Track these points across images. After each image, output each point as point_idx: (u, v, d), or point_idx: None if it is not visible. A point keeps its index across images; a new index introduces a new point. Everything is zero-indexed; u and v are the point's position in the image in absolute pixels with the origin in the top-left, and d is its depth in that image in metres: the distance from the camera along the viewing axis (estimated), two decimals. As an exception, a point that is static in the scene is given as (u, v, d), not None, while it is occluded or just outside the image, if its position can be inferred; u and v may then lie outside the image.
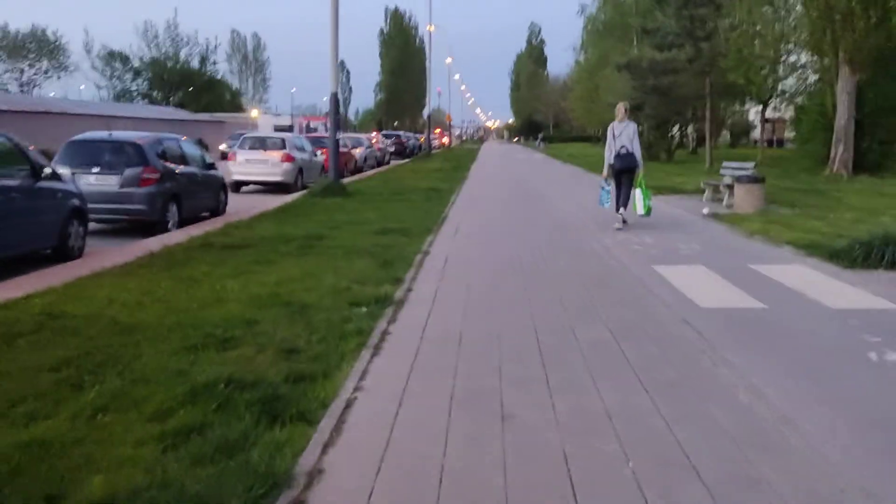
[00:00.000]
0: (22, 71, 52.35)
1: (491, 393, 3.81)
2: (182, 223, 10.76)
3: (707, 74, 23.25)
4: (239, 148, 17.93)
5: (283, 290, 6.00)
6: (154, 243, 8.60)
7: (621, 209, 10.49)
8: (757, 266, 7.43)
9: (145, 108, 44.23)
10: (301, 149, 18.90)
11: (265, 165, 17.50)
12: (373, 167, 29.65)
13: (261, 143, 18.09)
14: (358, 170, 26.25)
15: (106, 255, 8.08)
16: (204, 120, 45.25)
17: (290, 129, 48.61)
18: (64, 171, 9.69)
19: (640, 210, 10.51)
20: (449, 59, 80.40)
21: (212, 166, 12.37)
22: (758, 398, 3.75)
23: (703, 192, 15.05)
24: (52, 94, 58.06)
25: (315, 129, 43.88)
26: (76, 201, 8.35)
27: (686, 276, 6.99)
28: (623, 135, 10.30)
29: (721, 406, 3.63)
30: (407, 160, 37.04)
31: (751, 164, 13.51)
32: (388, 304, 5.63)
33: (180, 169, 11.00)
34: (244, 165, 17.52)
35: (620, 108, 10.62)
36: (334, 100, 15.17)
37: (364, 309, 5.43)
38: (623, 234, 9.78)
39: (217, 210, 12.45)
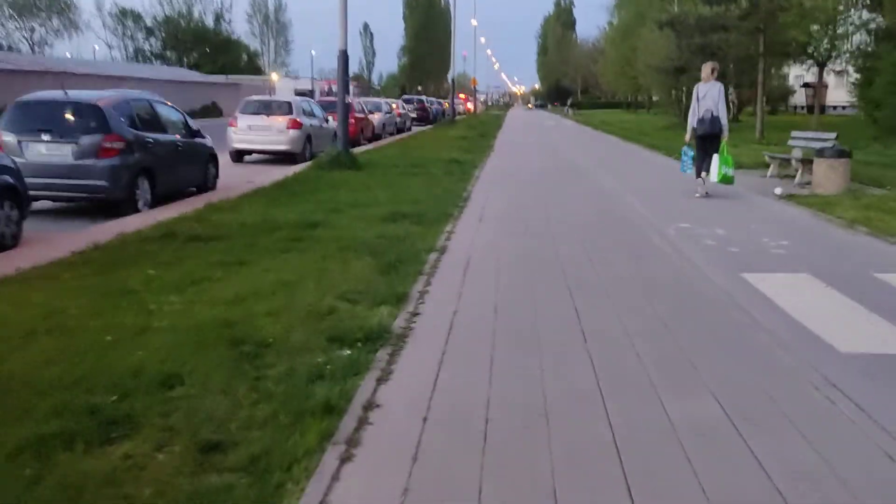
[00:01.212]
0: (32, 29, 50.93)
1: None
2: (159, 201, 9.12)
3: (761, 32, 20.80)
4: (241, 112, 16.16)
5: (241, 313, 4.30)
6: (104, 231, 6.94)
7: (703, 174, 9.94)
8: (887, 276, 5.55)
9: (153, 69, 42.62)
10: (310, 114, 17.09)
11: (269, 132, 15.75)
12: (392, 134, 27.77)
13: (265, 108, 16.31)
14: (376, 137, 24.40)
15: (40, 246, 6.45)
16: (218, 83, 43.51)
17: (310, 93, 46.71)
18: (8, 138, 8.07)
19: (714, 177, 9.78)
20: (474, 22, 77.25)
21: (197, 133, 10.64)
22: None
23: (766, 166, 13.02)
24: (67, 55, 56.77)
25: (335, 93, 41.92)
26: (8, 177, 6.70)
27: (793, 291, 5.15)
28: (707, 97, 9.60)
29: None
30: (429, 126, 35.02)
31: (831, 135, 11.43)
32: (383, 341, 3.90)
33: (154, 137, 9.29)
34: (246, 132, 15.79)
35: (707, 67, 9.97)
36: (343, 58, 13.29)
37: (347, 352, 3.71)
38: (689, 223, 7.89)
39: (205, 185, 10.77)
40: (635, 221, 8.14)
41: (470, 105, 68.58)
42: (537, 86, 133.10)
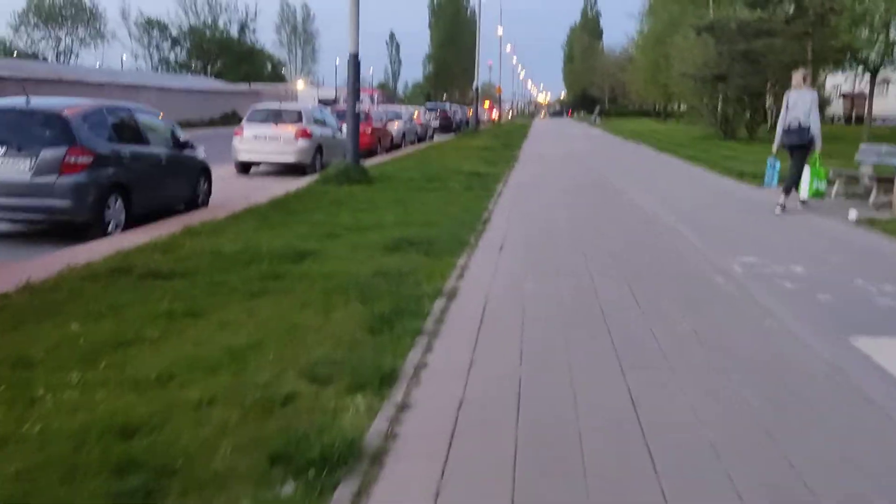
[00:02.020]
0: (59, 39, 50.85)
1: None
2: (140, 221, 8.00)
3: (809, 37, 19.23)
4: (247, 121, 15.08)
5: (155, 406, 3.04)
6: (47, 264, 5.77)
7: (787, 191, 9.38)
8: None
9: (172, 78, 42.01)
10: (321, 122, 15.96)
11: (276, 143, 14.63)
12: (413, 143, 26.62)
13: (272, 117, 15.20)
14: (395, 146, 23.27)
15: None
16: (239, 91, 42.86)
17: (335, 101, 45.83)
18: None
19: (805, 194, 9.42)
20: (500, 30, 76.03)
21: (185, 145, 9.51)
22: None
23: (830, 183, 11.51)
24: (97, 65, 56.79)
25: (360, 102, 40.93)
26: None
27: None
28: (798, 105, 9.07)
29: None
30: (452, 136, 33.82)
31: (911, 149, 9.94)
32: (348, 468, 2.60)
33: (132, 150, 8.17)
34: (251, 143, 14.69)
35: (798, 75, 9.43)
36: (354, 62, 12.12)
37: (289, 489, 2.44)
38: (754, 256, 6.50)
39: (195, 202, 9.64)
40: (688, 254, 6.77)
41: (495, 114, 67.32)
42: (563, 94, 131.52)
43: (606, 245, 7.07)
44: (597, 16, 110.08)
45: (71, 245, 6.81)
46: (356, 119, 12.43)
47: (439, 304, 4.81)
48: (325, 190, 11.02)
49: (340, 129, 16.58)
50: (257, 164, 15.09)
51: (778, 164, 9.77)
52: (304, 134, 14.73)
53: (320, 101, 39.32)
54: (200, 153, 9.95)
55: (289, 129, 14.72)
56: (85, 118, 7.58)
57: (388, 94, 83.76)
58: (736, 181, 13.53)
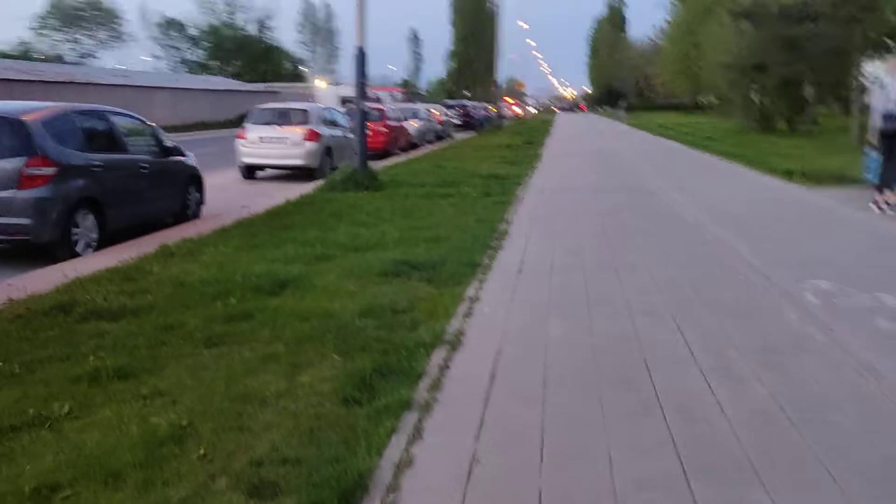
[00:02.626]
0: (76, 40, 50.73)
1: None
2: (116, 237, 7.13)
3: (858, 22, 17.78)
4: (251, 123, 14.20)
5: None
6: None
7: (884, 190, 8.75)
8: None
9: (187, 78, 41.46)
10: (332, 123, 15.02)
11: (282, 145, 13.73)
12: (431, 142, 25.63)
13: (278, 117, 14.29)
14: (412, 146, 22.29)
15: None
16: (256, 91, 42.23)
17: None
18: None
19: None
20: (523, 24, 74.50)
21: (172, 151, 8.62)
22: None
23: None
24: (119, 66, 56.65)
25: (379, 100, 39.94)
26: None
27: None
28: None
29: None
30: (473, 134, 32.73)
31: None
32: None
33: (106, 158, 7.28)
34: (256, 146, 13.79)
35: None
36: (360, 56, 11.13)
37: None
38: (830, 279, 5.35)
39: (184, 213, 8.77)
40: (745, 276, 5.66)
41: (519, 110, 65.98)
42: (586, 88, 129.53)
43: (645, 265, 5.99)
44: (621, 7, 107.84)
45: (36, 268, 5.95)
46: (363, 118, 11.45)
47: (438, 357, 3.80)
48: (329, 198, 10.07)
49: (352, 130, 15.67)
50: (262, 167, 14.21)
51: (875, 155, 9.18)
52: (313, 136, 13.80)
53: (343, 100, 38.45)
54: (190, 160, 9.07)
55: (295, 131, 13.81)
56: (48, 124, 6.70)
57: (411, 91, 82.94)
58: (783, 181, 12.26)
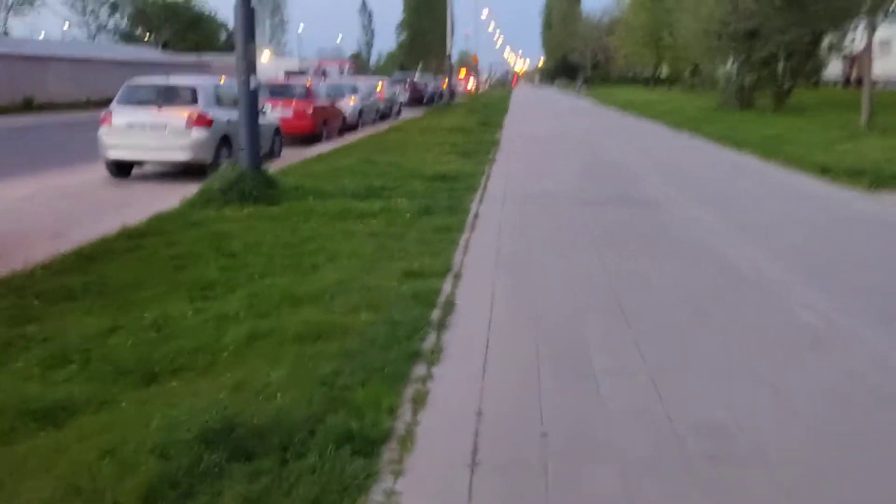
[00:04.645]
0: (-21, 7, 44.92)
1: None
2: None
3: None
4: (118, 104, 10.63)
5: None
6: None
7: None
8: None
9: (98, 48, 36.83)
10: (231, 103, 11.54)
11: (159, 134, 10.22)
12: (375, 122, 22.24)
13: (157, 96, 10.71)
14: (350, 128, 18.88)
15: None
16: (185, 63, 37.82)
17: (302, 73, 40.90)
18: None
19: None
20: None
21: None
22: None
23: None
24: (42, 36, 50.98)
25: (326, 74, 36.05)
26: None
27: None
28: None
29: None
30: (423, 110, 29.36)
31: None
32: None
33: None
34: (125, 134, 10.24)
35: None
36: (244, 5, 7.72)
37: None
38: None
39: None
40: (785, 314, 2.69)
41: (472, 85, 62.58)
42: (541, 61, 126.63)
43: (675, 356, 2.99)
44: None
45: None
46: (252, 98, 8.11)
47: None
48: (194, 220, 6.76)
49: (263, 112, 12.19)
50: (135, 164, 10.73)
51: None
52: (201, 121, 10.31)
53: (286, 73, 34.44)
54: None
55: (178, 114, 10.30)
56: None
57: (360, 64, 78.55)
58: (825, 182, 9.17)
